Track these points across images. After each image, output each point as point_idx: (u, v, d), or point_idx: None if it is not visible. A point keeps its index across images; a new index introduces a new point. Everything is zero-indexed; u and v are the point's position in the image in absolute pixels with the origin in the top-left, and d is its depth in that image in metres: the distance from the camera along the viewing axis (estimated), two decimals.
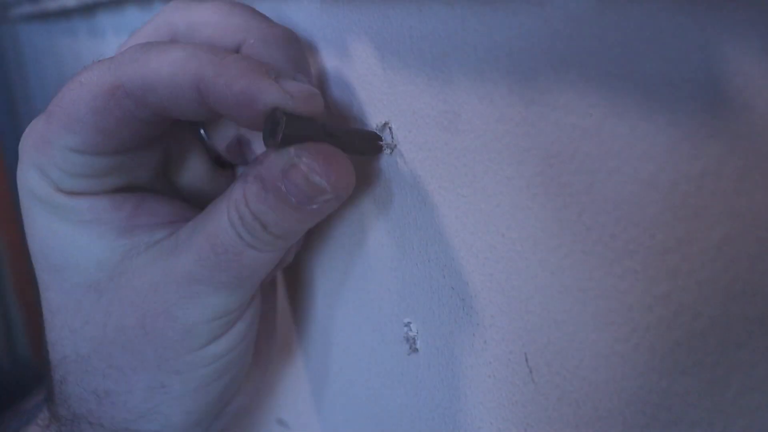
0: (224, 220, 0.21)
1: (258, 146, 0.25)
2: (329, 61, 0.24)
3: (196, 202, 0.26)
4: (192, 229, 0.22)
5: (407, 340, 0.23)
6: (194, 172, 0.26)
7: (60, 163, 0.22)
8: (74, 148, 0.21)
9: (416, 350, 0.23)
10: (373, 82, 0.22)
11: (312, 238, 0.29)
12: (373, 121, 0.22)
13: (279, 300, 0.32)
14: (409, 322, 0.23)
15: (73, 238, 0.23)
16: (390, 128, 0.22)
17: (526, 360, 0.18)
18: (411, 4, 0.19)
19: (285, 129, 0.19)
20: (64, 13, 0.66)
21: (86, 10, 0.58)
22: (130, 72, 0.20)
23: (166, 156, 0.25)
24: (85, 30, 0.62)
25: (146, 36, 0.24)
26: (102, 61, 0.22)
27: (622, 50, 0.13)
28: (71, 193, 0.22)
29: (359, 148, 0.21)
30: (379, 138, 0.22)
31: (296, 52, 0.23)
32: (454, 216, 0.19)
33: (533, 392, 0.18)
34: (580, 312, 0.16)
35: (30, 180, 0.22)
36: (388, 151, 0.22)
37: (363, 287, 0.26)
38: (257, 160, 0.21)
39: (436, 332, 0.22)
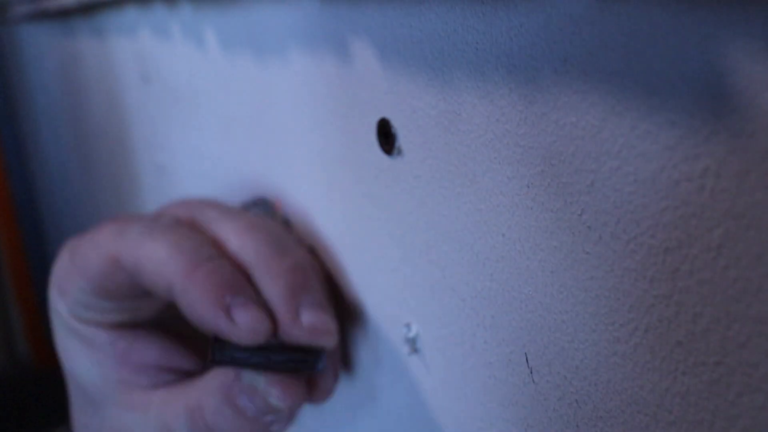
0: (181, 420, 0.24)
1: None
2: (329, 61, 0.24)
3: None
4: (163, 404, 0.26)
5: (408, 341, 0.23)
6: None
7: (75, 296, 0.26)
8: (85, 290, 0.25)
9: (417, 351, 0.23)
10: (372, 82, 0.22)
11: (312, 239, 0.29)
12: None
13: None
14: (410, 323, 0.23)
15: (81, 357, 0.27)
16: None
17: (527, 360, 0.18)
18: (411, 4, 0.19)
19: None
20: (64, 13, 0.66)
21: (86, 10, 0.58)
22: (126, 250, 0.24)
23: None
24: (85, 30, 0.62)
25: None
26: (120, 222, 0.25)
27: (622, 50, 0.13)
28: (80, 320, 0.26)
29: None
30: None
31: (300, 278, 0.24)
32: (455, 216, 0.19)
33: (533, 392, 0.18)
34: (580, 312, 0.16)
35: (55, 301, 0.27)
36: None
37: (363, 288, 0.26)
38: (218, 370, 0.24)
39: (437, 333, 0.22)
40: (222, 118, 0.36)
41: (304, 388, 0.24)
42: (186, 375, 0.27)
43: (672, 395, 0.14)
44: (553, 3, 0.14)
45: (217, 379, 0.24)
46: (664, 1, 0.12)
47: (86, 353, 0.26)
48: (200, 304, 0.23)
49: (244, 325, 0.22)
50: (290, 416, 0.24)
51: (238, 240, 0.25)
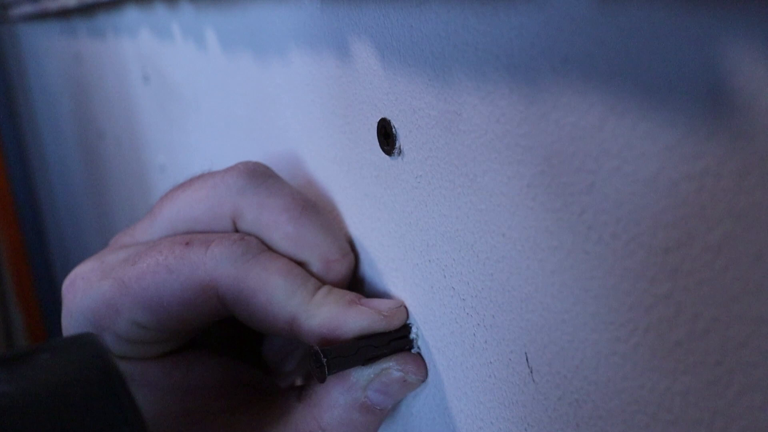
0: None
1: None
2: (329, 61, 0.24)
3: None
4: (249, 425, 0.23)
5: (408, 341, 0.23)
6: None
7: (122, 332, 0.22)
8: (142, 324, 0.22)
9: (417, 351, 0.23)
10: (373, 82, 0.22)
11: None
12: (370, 120, 0.22)
13: None
14: (410, 323, 0.23)
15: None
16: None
17: (527, 360, 0.18)
18: (411, 3, 0.19)
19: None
20: (64, 13, 0.66)
21: (86, 10, 0.58)
22: (228, 278, 0.21)
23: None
24: (85, 30, 0.62)
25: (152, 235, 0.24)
26: (186, 250, 0.22)
27: (622, 50, 0.13)
28: (123, 358, 0.23)
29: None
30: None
31: (318, 220, 0.23)
32: (455, 216, 0.19)
33: (533, 392, 0.18)
34: (580, 312, 0.16)
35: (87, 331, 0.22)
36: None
37: (363, 288, 0.26)
38: (332, 384, 0.22)
39: (437, 333, 0.22)
40: (222, 118, 0.36)
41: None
42: (253, 388, 0.25)
43: (672, 395, 0.14)
44: (553, 3, 0.14)
45: (339, 394, 0.22)
46: (664, 1, 0.12)
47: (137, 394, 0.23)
48: (331, 314, 0.21)
49: (389, 311, 0.22)
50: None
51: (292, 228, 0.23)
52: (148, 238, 0.24)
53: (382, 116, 0.21)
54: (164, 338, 0.23)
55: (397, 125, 0.21)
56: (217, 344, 0.26)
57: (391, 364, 0.22)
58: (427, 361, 0.23)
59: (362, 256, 0.25)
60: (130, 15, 0.47)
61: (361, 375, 0.22)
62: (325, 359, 0.21)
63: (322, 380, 0.21)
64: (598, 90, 0.14)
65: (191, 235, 0.22)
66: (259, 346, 0.28)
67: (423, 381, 0.22)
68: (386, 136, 0.21)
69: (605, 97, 0.14)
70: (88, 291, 0.22)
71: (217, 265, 0.21)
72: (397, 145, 0.21)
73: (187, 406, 0.23)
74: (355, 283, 0.26)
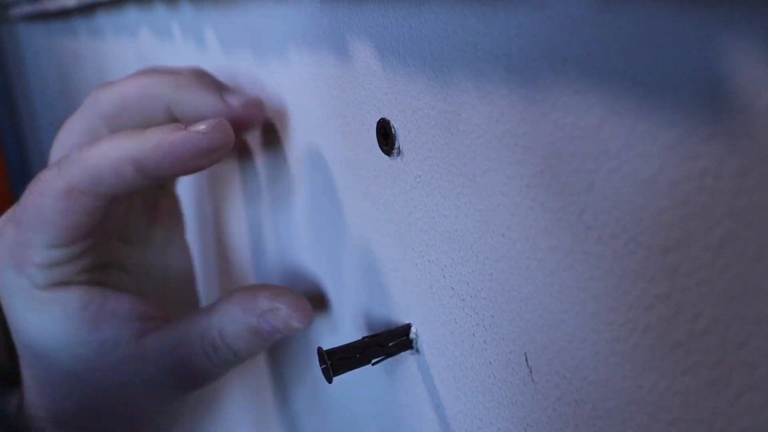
0: (197, 348, 0.26)
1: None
2: (329, 61, 0.24)
3: (150, 275, 0.31)
4: (159, 345, 0.27)
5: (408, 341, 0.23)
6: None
7: (37, 260, 0.25)
8: (49, 244, 0.25)
9: (417, 351, 0.23)
10: (372, 82, 0.22)
11: (313, 238, 0.29)
12: (370, 119, 0.22)
13: None
14: (410, 323, 0.23)
15: (51, 332, 0.26)
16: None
17: (526, 360, 0.18)
18: (411, 3, 0.19)
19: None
20: (64, 13, 0.66)
21: (86, 10, 0.58)
22: (76, 173, 0.24)
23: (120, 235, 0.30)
24: (85, 30, 0.62)
25: (79, 128, 0.28)
26: (49, 168, 0.25)
27: (622, 50, 0.13)
28: (46, 287, 0.26)
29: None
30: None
31: (211, 81, 0.28)
32: (454, 216, 0.19)
33: (533, 392, 0.18)
34: (580, 312, 0.16)
35: (7, 280, 0.26)
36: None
37: (363, 288, 0.26)
38: (233, 297, 0.27)
39: (437, 333, 0.22)
40: None
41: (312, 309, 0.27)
42: (161, 321, 0.28)
43: (671, 395, 0.14)
44: (553, 3, 0.14)
45: (237, 307, 0.26)
46: (664, 1, 0.12)
47: (56, 327, 0.26)
48: (200, 98, 0.26)
49: (239, 106, 0.26)
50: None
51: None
52: (77, 134, 0.28)
53: (382, 116, 0.21)
54: (75, 253, 0.26)
55: (397, 125, 0.21)
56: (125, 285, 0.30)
57: (282, 307, 0.26)
58: (426, 362, 0.23)
59: (362, 256, 0.25)
60: (130, 15, 0.47)
61: (262, 304, 0.26)
62: (329, 361, 0.22)
63: (330, 381, 0.22)
64: (597, 90, 0.14)
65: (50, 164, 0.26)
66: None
67: (305, 329, 0.26)
68: (385, 136, 0.21)
69: (605, 97, 0.14)
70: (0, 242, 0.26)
71: (67, 169, 0.25)
72: (396, 145, 0.21)
73: (102, 336, 0.26)
74: (355, 282, 0.26)
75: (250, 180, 0.33)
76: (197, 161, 0.24)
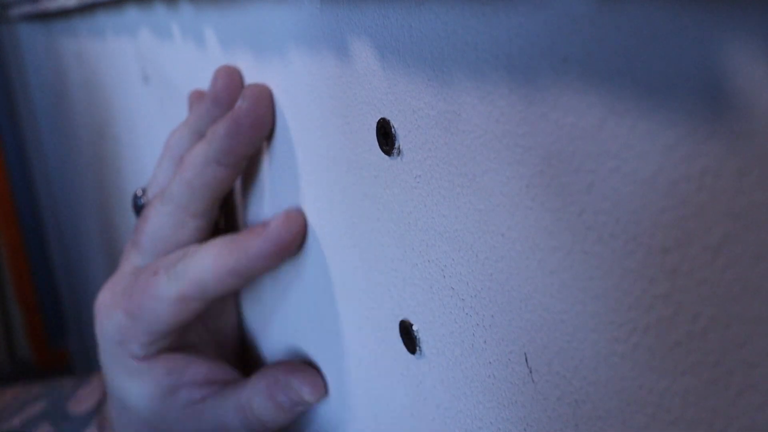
0: (232, 416, 0.31)
1: None
2: (329, 61, 0.24)
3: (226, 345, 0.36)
4: (212, 408, 0.31)
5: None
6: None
7: (142, 340, 0.30)
8: (155, 333, 0.30)
9: (416, 351, 0.23)
10: (372, 82, 0.22)
11: (313, 239, 0.29)
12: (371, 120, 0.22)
13: None
14: (410, 324, 0.23)
15: (138, 393, 0.31)
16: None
17: (526, 360, 0.18)
18: (411, 3, 0.19)
19: None
20: (64, 13, 0.66)
21: (86, 10, 0.58)
22: (185, 284, 0.29)
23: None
24: (85, 30, 0.62)
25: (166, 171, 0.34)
26: (159, 272, 0.30)
27: (622, 50, 0.13)
28: (141, 359, 0.31)
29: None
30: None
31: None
32: (454, 216, 0.19)
33: (533, 392, 0.18)
34: (580, 312, 0.16)
35: (110, 351, 0.31)
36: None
37: (363, 288, 0.26)
38: (261, 374, 0.31)
39: (436, 333, 0.22)
40: None
41: (326, 384, 0.30)
42: (226, 384, 0.32)
43: (671, 395, 0.14)
44: (552, 3, 0.14)
45: (262, 382, 0.30)
46: (664, 1, 0.12)
47: (143, 388, 0.31)
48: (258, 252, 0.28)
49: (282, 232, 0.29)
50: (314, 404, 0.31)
51: None
52: (137, 263, 0.32)
53: (382, 116, 0.21)
54: (168, 338, 0.31)
55: (397, 125, 0.21)
56: (204, 346, 0.34)
57: (294, 380, 0.30)
58: (426, 362, 0.23)
59: (361, 256, 0.25)
60: (130, 15, 0.47)
61: (280, 378, 0.30)
62: None
63: None
64: (597, 90, 0.14)
65: (156, 265, 0.30)
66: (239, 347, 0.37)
67: (317, 401, 0.30)
68: (385, 136, 0.21)
69: (605, 97, 0.14)
70: (106, 319, 0.31)
71: (177, 278, 0.29)
72: (396, 145, 0.21)
73: (177, 398, 0.31)
74: (354, 282, 0.26)
75: (250, 180, 0.33)
76: (280, 258, 0.28)
